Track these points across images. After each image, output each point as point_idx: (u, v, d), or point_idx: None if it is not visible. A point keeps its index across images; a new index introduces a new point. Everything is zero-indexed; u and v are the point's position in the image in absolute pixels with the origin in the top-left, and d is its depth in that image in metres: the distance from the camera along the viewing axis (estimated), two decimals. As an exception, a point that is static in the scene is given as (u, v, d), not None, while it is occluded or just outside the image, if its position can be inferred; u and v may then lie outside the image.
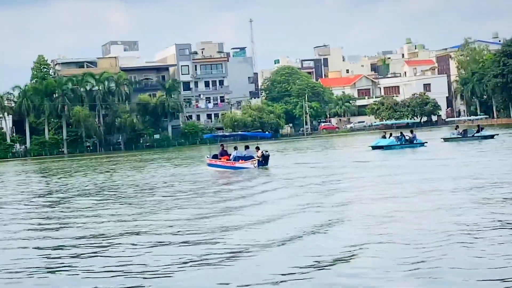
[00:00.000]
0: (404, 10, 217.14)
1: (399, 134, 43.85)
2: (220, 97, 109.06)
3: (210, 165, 34.91)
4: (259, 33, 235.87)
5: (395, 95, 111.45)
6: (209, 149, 46.17)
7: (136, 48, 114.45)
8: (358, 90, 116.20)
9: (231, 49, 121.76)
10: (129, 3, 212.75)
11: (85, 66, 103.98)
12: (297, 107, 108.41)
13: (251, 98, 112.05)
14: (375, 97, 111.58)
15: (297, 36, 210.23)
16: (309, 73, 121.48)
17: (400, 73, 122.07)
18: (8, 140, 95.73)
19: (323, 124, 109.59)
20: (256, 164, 32.04)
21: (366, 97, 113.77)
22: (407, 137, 43.19)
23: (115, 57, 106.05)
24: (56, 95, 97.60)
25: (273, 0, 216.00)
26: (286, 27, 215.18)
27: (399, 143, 42.53)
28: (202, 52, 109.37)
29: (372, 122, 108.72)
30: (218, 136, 46.98)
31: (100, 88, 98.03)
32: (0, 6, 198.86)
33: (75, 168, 49.19)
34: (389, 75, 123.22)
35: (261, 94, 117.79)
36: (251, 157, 32.80)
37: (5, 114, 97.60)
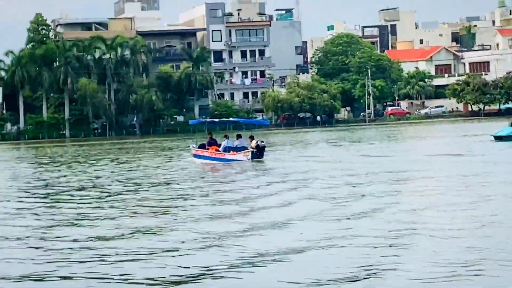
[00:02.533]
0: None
1: None
2: (260, 71, 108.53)
3: (196, 156, 36.17)
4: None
5: (484, 73, 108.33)
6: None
7: (157, 8, 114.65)
8: (435, 66, 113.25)
9: (274, 10, 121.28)
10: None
11: (93, 28, 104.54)
12: (357, 86, 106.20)
13: (299, 74, 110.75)
14: (458, 75, 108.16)
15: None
16: (372, 43, 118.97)
17: (490, 46, 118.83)
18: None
19: (390, 108, 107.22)
20: (250, 156, 33.34)
21: (446, 75, 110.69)
22: None
23: (130, 18, 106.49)
24: (57, 64, 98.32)
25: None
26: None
27: None
28: (238, 13, 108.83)
29: (453, 107, 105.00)
30: (206, 123, 49.24)
31: (112, 57, 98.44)
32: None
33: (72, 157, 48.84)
34: (475, 48, 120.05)
35: (311, 68, 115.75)
36: (244, 148, 34.11)
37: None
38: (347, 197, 18.12)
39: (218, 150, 35.05)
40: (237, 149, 34.41)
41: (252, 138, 34.80)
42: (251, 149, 33.79)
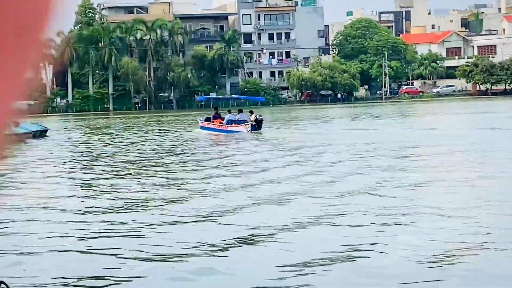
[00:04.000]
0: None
1: None
2: (286, 52, 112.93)
3: (202, 127, 40.42)
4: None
5: (491, 55, 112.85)
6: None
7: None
8: (447, 49, 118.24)
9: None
10: None
11: (135, 11, 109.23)
12: (374, 66, 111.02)
13: (321, 55, 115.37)
14: (467, 58, 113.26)
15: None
16: (388, 27, 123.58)
17: (497, 30, 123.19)
18: (48, 93, 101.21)
19: (404, 87, 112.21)
20: (249, 128, 37.49)
21: (457, 57, 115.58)
22: None
23: (168, 3, 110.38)
24: (103, 44, 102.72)
25: None
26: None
27: None
28: (266, 0, 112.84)
29: (463, 86, 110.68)
30: (212, 99, 53.15)
31: (152, 38, 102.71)
32: None
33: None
34: (483, 33, 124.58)
35: (332, 50, 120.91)
36: (244, 121, 38.36)
37: (46, 63, 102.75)
38: (346, 172, 18.62)
39: (222, 123, 39.14)
40: (238, 122, 38.51)
41: (251, 112, 39.02)
42: (251, 122, 37.97)
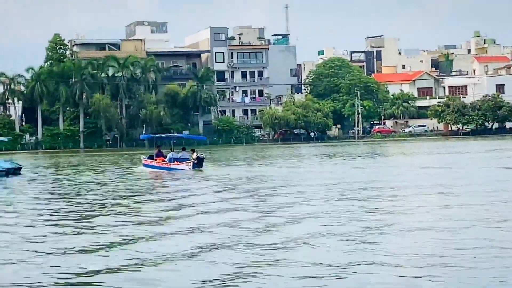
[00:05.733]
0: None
1: None
2: (259, 90, 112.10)
3: (146, 165, 41.35)
4: (296, 21, 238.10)
5: (462, 96, 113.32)
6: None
7: (165, 30, 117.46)
8: (418, 89, 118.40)
9: (272, 35, 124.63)
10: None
11: (107, 48, 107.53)
12: (347, 105, 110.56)
13: (294, 93, 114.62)
14: (439, 98, 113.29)
15: (342, 26, 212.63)
16: (360, 67, 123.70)
17: (467, 71, 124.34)
18: (17, 130, 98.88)
19: (377, 126, 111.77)
20: (191, 166, 38.50)
21: (428, 97, 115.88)
22: None
23: (141, 40, 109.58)
24: (74, 80, 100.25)
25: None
26: (328, 14, 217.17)
27: None
28: (239, 37, 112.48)
29: (434, 126, 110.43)
30: (155, 137, 53.23)
31: (124, 74, 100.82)
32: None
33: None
34: (454, 73, 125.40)
35: (304, 89, 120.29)
36: (186, 159, 39.34)
37: (15, 99, 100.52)
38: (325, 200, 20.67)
39: (165, 161, 40.10)
40: (180, 160, 39.44)
41: (193, 151, 40.39)
42: (193, 160, 38.95)
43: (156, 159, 40.87)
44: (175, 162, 39.36)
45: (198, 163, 39.04)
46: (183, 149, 41.31)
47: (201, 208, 20.18)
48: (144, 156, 43.55)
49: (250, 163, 47.78)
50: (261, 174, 35.24)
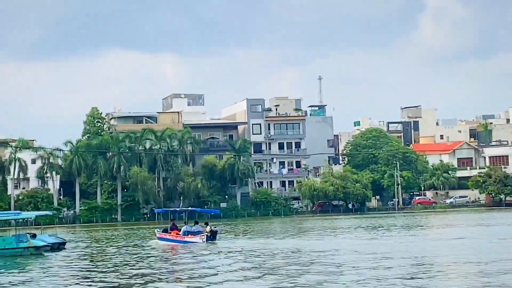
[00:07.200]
0: (504, 67, 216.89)
1: None
2: (296, 161, 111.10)
3: (160, 239, 42.55)
4: (330, 92, 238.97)
5: (503, 166, 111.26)
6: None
7: (201, 103, 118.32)
8: (458, 159, 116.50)
9: (308, 107, 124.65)
10: (185, 55, 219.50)
11: (144, 121, 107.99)
12: (386, 176, 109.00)
13: (331, 164, 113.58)
14: (479, 168, 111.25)
15: (377, 96, 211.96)
16: (397, 137, 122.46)
17: (507, 141, 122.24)
18: (56, 204, 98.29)
19: (417, 197, 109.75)
20: (205, 239, 39.65)
21: (468, 168, 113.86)
22: None
23: (177, 112, 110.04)
24: (111, 154, 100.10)
25: (343, 57, 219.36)
26: (362, 85, 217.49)
27: None
28: (276, 109, 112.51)
29: (476, 197, 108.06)
30: (169, 211, 53.71)
31: (161, 147, 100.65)
32: (49, 58, 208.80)
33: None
34: (493, 143, 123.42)
35: (342, 160, 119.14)
36: (200, 232, 40.65)
37: (53, 173, 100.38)
38: None
39: (179, 234, 41.19)
40: (194, 233, 40.67)
41: (207, 224, 41.63)
42: (206, 233, 40.06)
43: (170, 233, 42.10)
44: (189, 235, 40.58)
45: (212, 236, 40.15)
46: (196, 222, 42.89)
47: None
48: (158, 230, 44.65)
49: (281, 236, 47.08)
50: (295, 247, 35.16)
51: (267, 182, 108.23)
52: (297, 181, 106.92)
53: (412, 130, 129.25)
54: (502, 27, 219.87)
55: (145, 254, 35.76)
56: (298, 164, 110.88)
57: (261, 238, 45.47)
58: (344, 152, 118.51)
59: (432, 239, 40.11)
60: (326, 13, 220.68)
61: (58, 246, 39.88)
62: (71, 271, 28.16)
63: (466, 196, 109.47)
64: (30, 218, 53.04)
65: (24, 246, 36.28)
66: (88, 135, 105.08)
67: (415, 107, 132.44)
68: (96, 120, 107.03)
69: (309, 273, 23.49)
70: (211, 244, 38.55)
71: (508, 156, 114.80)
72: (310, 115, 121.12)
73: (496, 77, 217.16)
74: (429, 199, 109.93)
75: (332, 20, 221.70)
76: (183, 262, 30.14)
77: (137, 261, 31.37)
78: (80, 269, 29.14)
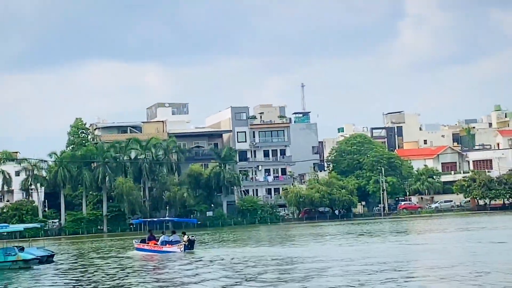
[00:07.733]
0: (484, 72, 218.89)
1: None
2: (282, 169, 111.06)
3: (138, 249, 42.72)
4: (313, 99, 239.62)
5: (487, 170, 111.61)
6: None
7: (186, 112, 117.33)
8: (442, 164, 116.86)
9: (292, 114, 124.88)
10: (168, 65, 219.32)
11: (128, 131, 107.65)
12: (371, 182, 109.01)
13: (316, 171, 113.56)
14: (463, 172, 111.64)
15: (359, 103, 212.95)
16: (381, 143, 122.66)
17: (490, 145, 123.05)
18: (40, 216, 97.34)
19: (403, 203, 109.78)
20: (183, 248, 39.69)
21: (453, 172, 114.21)
22: None
23: (162, 121, 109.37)
24: (96, 164, 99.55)
25: (326, 64, 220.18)
26: (345, 92, 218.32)
27: None
28: (261, 116, 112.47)
29: (461, 201, 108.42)
30: (146, 221, 54.58)
31: (146, 157, 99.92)
32: (33, 71, 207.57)
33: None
34: (477, 147, 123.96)
35: (327, 166, 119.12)
36: (178, 242, 40.77)
37: (38, 185, 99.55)
38: None
39: (157, 244, 41.56)
40: (172, 243, 40.93)
41: (184, 233, 41.87)
42: (184, 243, 40.27)
43: (148, 243, 42.32)
44: (167, 245, 40.74)
45: (190, 245, 40.30)
46: (174, 232, 43.12)
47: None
48: (136, 240, 44.80)
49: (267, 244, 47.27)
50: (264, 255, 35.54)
51: (253, 190, 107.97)
52: (283, 188, 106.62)
53: (396, 136, 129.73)
54: (482, 33, 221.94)
55: (124, 265, 35.45)
56: (284, 172, 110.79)
57: (240, 246, 45.49)
58: (329, 158, 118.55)
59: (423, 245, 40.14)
60: (309, 22, 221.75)
61: (47, 259, 39.36)
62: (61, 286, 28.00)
63: (451, 201, 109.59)
64: (19, 231, 52.30)
65: (12, 259, 35.89)
66: (72, 146, 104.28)
67: (398, 112, 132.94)
68: (81, 130, 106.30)
69: (289, 281, 23.53)
70: (188, 253, 38.62)
71: (491, 160, 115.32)
72: (295, 122, 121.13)
73: (477, 82, 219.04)
74: (415, 204, 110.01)
75: (315, 29, 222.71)
76: (162, 272, 30.34)
77: (115, 274, 31.05)
78: (68, 282, 28.98)
